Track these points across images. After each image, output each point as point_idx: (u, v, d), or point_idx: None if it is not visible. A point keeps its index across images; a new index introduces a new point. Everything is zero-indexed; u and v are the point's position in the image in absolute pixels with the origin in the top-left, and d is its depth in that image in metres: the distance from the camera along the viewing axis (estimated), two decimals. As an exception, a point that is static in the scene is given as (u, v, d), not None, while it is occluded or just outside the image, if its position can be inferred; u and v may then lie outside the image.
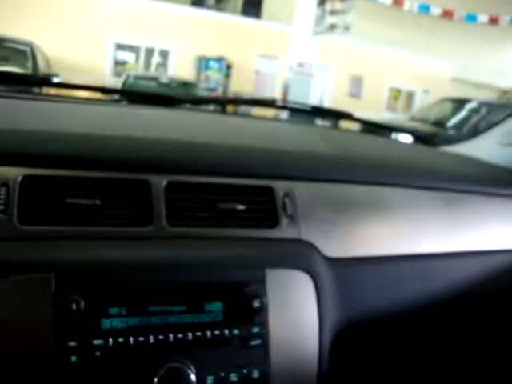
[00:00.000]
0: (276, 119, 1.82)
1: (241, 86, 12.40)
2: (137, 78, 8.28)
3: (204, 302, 0.66)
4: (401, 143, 1.52)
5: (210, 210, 0.74)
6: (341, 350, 0.79)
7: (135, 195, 0.70)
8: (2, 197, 0.63)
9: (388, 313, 0.84)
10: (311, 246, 0.78)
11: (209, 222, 0.73)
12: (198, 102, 1.54)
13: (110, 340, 0.61)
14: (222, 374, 0.65)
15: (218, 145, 0.84)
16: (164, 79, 8.56)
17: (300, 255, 0.75)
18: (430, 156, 1.23)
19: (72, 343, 0.59)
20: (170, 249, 0.68)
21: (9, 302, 0.59)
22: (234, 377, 0.65)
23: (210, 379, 0.64)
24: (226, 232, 0.73)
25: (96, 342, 0.60)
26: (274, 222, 0.77)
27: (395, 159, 1.03)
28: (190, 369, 0.62)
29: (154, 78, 8.67)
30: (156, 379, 0.61)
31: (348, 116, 1.49)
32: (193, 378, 0.62)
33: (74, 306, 0.59)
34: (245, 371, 0.66)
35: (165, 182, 0.72)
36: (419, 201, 0.92)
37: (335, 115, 1.62)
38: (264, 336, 0.68)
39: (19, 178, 0.65)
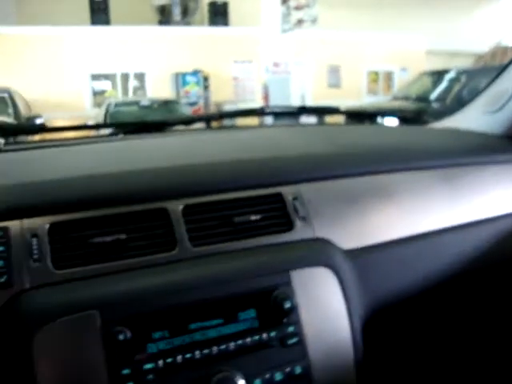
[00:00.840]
0: (264, 125, 1.87)
1: (221, 95, 12.47)
2: (118, 105, 8.33)
3: (238, 312, 0.70)
4: (390, 128, 1.56)
5: (227, 225, 0.78)
6: (372, 335, 0.83)
7: (156, 223, 0.75)
8: (35, 246, 0.68)
9: (409, 293, 0.88)
10: (327, 242, 0.82)
11: (229, 237, 0.77)
12: (189, 121, 1.58)
13: (160, 362, 0.65)
14: (268, 375, 0.69)
15: (223, 162, 0.89)
16: (145, 102, 8.63)
17: (319, 252, 0.79)
18: (422, 136, 1.27)
19: (125, 371, 0.63)
20: (197, 268, 0.72)
21: (60, 342, 0.63)
22: (278, 376, 0.69)
23: (257, 382, 0.68)
24: (247, 243, 0.78)
25: (147, 366, 0.64)
26: (288, 226, 0.81)
27: (389, 145, 1.07)
28: (238, 376, 0.66)
29: (135, 102, 8.73)
30: None
31: (335, 110, 1.54)
32: (242, 383, 0.66)
33: (121, 337, 0.63)
34: (288, 369, 0.70)
35: (181, 207, 0.77)
36: (420, 182, 0.96)
37: (323, 112, 1.67)
38: (299, 334, 0.72)
39: (46, 227, 0.69)
